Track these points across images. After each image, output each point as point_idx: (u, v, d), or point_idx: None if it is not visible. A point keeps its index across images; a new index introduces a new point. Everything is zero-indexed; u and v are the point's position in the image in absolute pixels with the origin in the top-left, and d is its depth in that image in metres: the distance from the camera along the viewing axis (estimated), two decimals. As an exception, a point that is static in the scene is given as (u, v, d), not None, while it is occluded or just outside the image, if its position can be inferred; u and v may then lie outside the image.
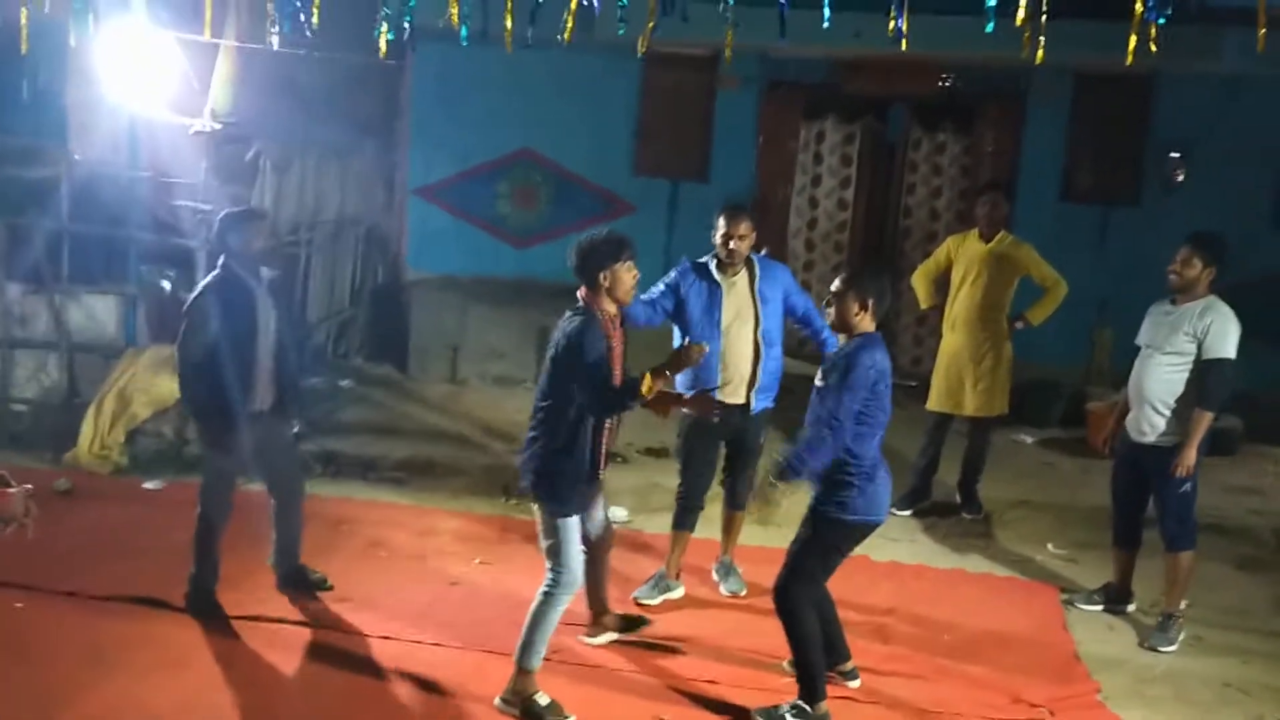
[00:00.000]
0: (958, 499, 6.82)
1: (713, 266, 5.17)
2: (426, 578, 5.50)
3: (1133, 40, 4.50)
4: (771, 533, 5.44)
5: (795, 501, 4.38)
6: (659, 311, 5.19)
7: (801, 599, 4.28)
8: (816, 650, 4.29)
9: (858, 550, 5.97)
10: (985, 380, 6.57)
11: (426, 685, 4.44)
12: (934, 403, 6.75)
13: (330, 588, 5.17)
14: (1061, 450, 8.11)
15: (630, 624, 4.90)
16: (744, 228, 5.07)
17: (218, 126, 7.03)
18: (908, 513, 6.72)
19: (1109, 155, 9.30)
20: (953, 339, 6.67)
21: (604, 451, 4.40)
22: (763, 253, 5.39)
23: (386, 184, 10.06)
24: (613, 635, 4.84)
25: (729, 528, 5.54)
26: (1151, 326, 5.26)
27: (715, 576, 5.57)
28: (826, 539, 4.30)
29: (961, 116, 9.73)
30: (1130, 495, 5.43)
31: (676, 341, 5.12)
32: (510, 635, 4.82)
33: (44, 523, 5.79)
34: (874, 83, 9.30)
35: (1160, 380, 5.12)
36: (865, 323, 4.20)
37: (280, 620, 4.89)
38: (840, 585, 5.52)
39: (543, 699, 4.20)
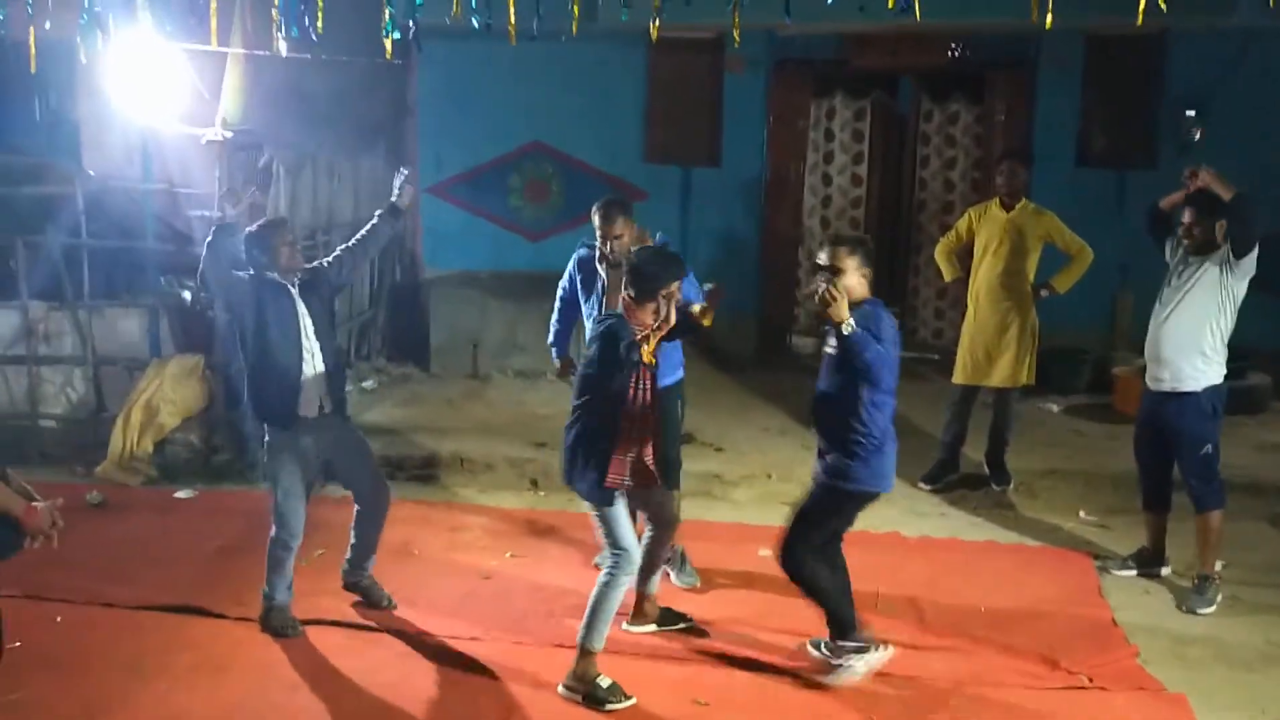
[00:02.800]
0: (986, 471, 6.79)
1: (596, 259, 5.18)
2: (459, 573, 5.52)
3: (1143, -1, 4.45)
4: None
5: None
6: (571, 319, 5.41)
7: (805, 558, 4.37)
8: (843, 596, 4.39)
9: (887, 526, 6.08)
10: (1010, 350, 6.53)
11: (468, 679, 4.46)
12: (959, 375, 6.71)
13: (395, 607, 5.07)
14: (1089, 417, 8.06)
15: (672, 618, 4.89)
16: (619, 227, 5.02)
17: (229, 135, 7.05)
18: (935, 487, 6.70)
19: (1124, 117, 9.20)
20: (977, 310, 6.63)
21: (642, 443, 4.34)
22: (658, 238, 5.23)
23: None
24: (652, 626, 4.85)
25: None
26: (1174, 279, 5.23)
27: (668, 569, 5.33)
28: (828, 505, 4.38)
29: (972, 86, 9.66)
30: (1154, 455, 5.40)
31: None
32: (545, 627, 4.86)
33: (78, 536, 5.86)
34: (882, 56, 9.23)
35: (1178, 330, 5.11)
36: (862, 289, 4.27)
37: (317, 621, 4.91)
38: (872, 561, 5.55)
39: (604, 681, 4.26)
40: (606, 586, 4.31)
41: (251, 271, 4.73)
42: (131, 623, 4.91)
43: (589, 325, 5.11)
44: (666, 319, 4.23)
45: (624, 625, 4.79)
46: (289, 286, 4.75)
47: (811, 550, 4.40)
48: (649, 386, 4.31)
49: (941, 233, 7.61)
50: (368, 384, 8.75)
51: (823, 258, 4.29)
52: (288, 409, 4.69)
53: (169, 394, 7.00)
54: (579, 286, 5.32)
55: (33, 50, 6.70)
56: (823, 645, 4.51)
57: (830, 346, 4.31)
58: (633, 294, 4.24)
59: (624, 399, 4.22)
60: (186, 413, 7.04)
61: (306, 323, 4.75)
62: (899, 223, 10.23)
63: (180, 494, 6.67)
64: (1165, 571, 5.52)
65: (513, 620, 4.94)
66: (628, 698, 4.23)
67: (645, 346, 4.21)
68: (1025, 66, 9.27)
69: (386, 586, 5.17)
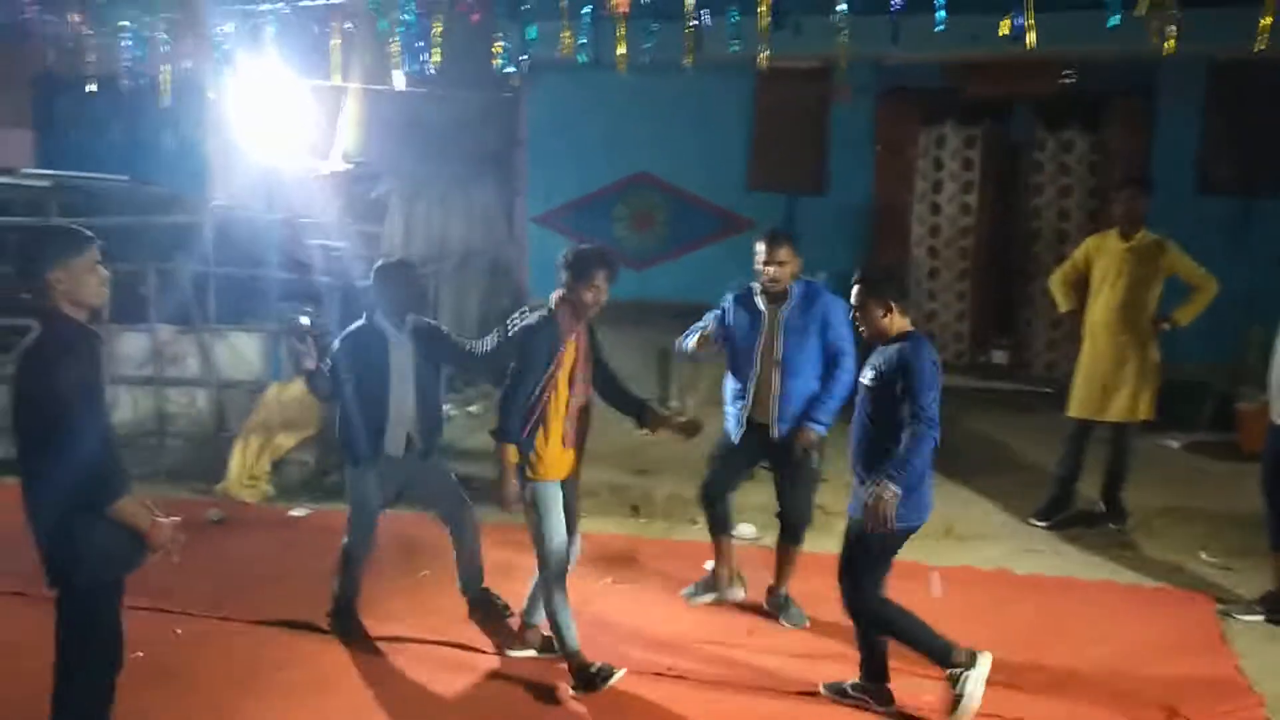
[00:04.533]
0: (1101, 508, 6.57)
1: (757, 294, 5.15)
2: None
3: (1267, 21, 4.31)
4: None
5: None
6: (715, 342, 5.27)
7: (874, 601, 4.30)
8: (921, 630, 4.28)
9: (997, 563, 5.92)
10: (1130, 384, 6.32)
11: (569, 703, 4.49)
12: (1075, 409, 6.52)
13: (511, 614, 5.16)
14: (1211, 454, 7.74)
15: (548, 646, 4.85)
16: (783, 254, 5.01)
17: (348, 167, 7.31)
18: (1048, 524, 6.51)
19: (1248, 145, 8.87)
20: (1094, 343, 6.44)
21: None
22: (820, 279, 5.24)
23: (507, 214, 10.28)
24: (532, 653, 4.88)
25: (781, 560, 5.35)
26: None
27: (771, 608, 5.36)
28: (872, 549, 4.26)
29: (1087, 113, 9.43)
30: None
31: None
32: (645, 655, 4.86)
33: (199, 551, 6.08)
34: (993, 85, 9.09)
35: None
36: (897, 323, 4.18)
37: (421, 640, 5.01)
38: (980, 600, 5.43)
39: (593, 666, 4.52)
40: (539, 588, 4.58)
41: (362, 318, 4.97)
42: (246, 637, 5.07)
43: (733, 378, 5.19)
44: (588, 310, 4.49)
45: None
46: (392, 331, 4.92)
47: (875, 592, 4.31)
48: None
49: (1057, 263, 7.42)
50: (474, 408, 8.91)
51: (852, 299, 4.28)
52: (371, 447, 4.91)
53: (287, 415, 7.24)
54: (733, 325, 5.19)
55: (165, 86, 7.07)
56: (849, 688, 4.45)
57: (868, 379, 4.24)
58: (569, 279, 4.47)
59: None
60: (302, 434, 7.27)
61: (406, 366, 4.91)
62: (1011, 252, 10.02)
63: (295, 512, 6.88)
64: (1295, 618, 5.25)
65: (610, 647, 4.94)
66: (615, 671, 4.53)
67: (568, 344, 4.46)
68: (1143, 93, 9.02)
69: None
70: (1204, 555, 6.11)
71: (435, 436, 5.10)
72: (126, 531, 3.43)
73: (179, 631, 5.11)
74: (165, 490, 7.02)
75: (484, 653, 4.92)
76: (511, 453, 4.43)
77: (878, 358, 4.22)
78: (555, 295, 4.54)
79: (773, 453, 5.19)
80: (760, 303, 5.12)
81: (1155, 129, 9.07)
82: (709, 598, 5.45)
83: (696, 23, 5.30)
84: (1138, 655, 4.92)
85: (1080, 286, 6.60)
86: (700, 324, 5.30)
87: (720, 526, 5.42)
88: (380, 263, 5.09)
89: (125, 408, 7.68)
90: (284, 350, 7.64)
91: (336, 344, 4.96)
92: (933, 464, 4.25)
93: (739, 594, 5.47)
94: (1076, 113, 9.49)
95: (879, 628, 4.35)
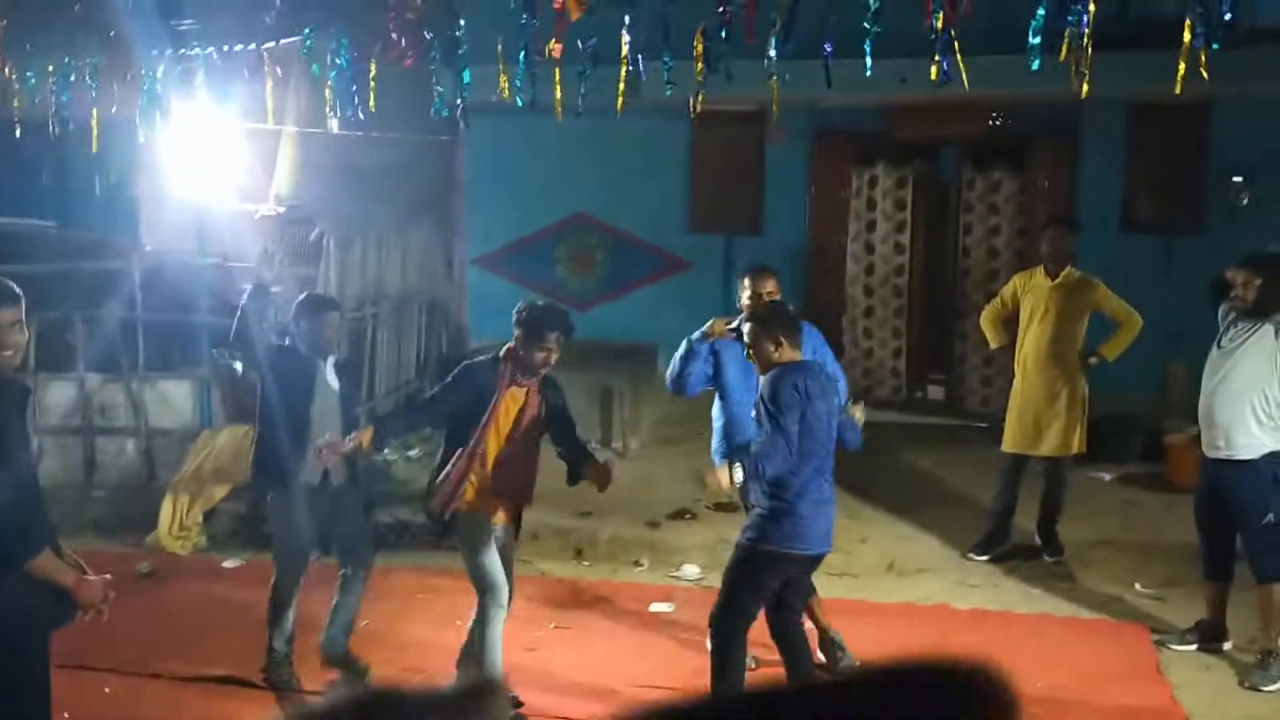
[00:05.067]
0: (1038, 541, 6.67)
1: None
2: (503, 645, 5.47)
3: (1182, 68, 4.46)
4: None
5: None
6: (701, 379, 5.22)
7: (733, 632, 4.38)
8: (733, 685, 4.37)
9: (937, 598, 5.97)
10: (1061, 419, 6.45)
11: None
12: (1009, 444, 6.62)
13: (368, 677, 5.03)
14: (1141, 486, 7.90)
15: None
16: (769, 286, 5.14)
17: (282, 210, 7.23)
18: (986, 558, 6.59)
19: (1169, 184, 9.15)
20: (1025, 378, 6.56)
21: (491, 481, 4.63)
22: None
23: (446, 256, 10.24)
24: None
25: None
26: (1224, 343, 5.15)
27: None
28: (750, 568, 4.39)
29: (1014, 154, 9.67)
30: (1215, 523, 5.28)
31: (715, 406, 5.22)
32: (588, 700, 4.81)
33: (128, 606, 5.90)
34: (924, 126, 9.29)
35: (1230, 395, 5.02)
36: (785, 354, 4.38)
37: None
38: (921, 635, 5.46)
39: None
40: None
41: (286, 340, 4.91)
42: (178, 694, 4.93)
43: (725, 401, 5.20)
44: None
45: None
46: (320, 360, 4.89)
47: (742, 621, 4.39)
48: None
49: (987, 300, 7.57)
50: (413, 453, 8.79)
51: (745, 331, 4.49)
52: (289, 473, 4.82)
53: (219, 464, 7.09)
54: (723, 363, 5.19)
55: (94, 130, 6.96)
56: None
57: (753, 410, 4.41)
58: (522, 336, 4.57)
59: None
60: (235, 482, 7.12)
61: (331, 397, 4.89)
62: (943, 290, 10.20)
63: (228, 563, 6.73)
64: (1227, 646, 5.36)
65: (554, 694, 4.89)
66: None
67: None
68: (1067, 134, 9.28)
69: (429, 656, 5.16)
70: (1138, 586, 6.22)
71: (354, 469, 5.04)
72: (49, 588, 3.32)
73: (107, 690, 4.95)
74: (94, 542, 6.82)
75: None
76: (366, 435, 4.63)
77: (761, 389, 4.41)
78: (506, 346, 4.61)
79: None
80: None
81: (1079, 169, 9.32)
82: None
83: (632, 67, 5.34)
84: (1077, 686, 4.98)
85: (1010, 323, 6.74)
86: (682, 351, 5.24)
87: None
88: (304, 296, 5.07)
89: (52, 458, 7.47)
90: (215, 397, 7.51)
91: (261, 354, 4.90)
92: (831, 498, 4.40)
93: None
94: (1004, 153, 9.73)
95: (717, 653, 4.42)
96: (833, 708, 0.85)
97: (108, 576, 3.47)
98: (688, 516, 7.06)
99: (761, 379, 4.43)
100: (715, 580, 6.24)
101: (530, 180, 9.95)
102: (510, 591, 4.72)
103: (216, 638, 5.52)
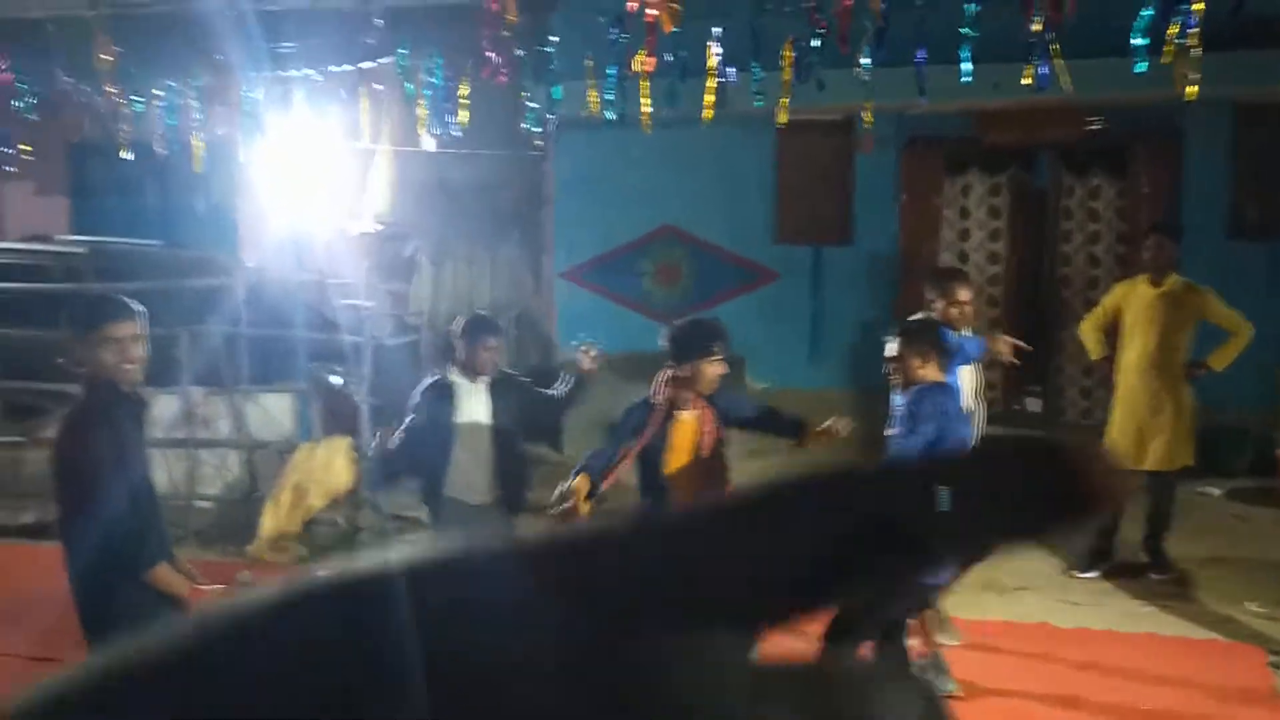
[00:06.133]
0: (1144, 558, 6.45)
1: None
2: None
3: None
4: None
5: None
6: None
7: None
8: None
9: (1038, 616, 5.81)
10: (1166, 431, 6.24)
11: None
12: (1110, 457, 6.42)
13: None
14: (1253, 501, 7.60)
15: None
16: (964, 294, 5.19)
17: (377, 227, 7.38)
18: (1092, 575, 6.39)
19: (1278, 187, 8.81)
20: (1128, 390, 6.36)
21: None
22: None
23: (534, 270, 10.34)
24: None
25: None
26: None
27: None
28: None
29: (1114, 159, 9.41)
30: None
31: None
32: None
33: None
34: (1017, 132, 9.10)
35: None
36: (930, 373, 4.32)
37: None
38: (1022, 654, 5.31)
39: None
40: None
41: (437, 373, 5.02)
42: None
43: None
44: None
45: None
46: (466, 382, 4.94)
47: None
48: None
49: (1086, 309, 7.37)
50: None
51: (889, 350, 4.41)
52: (440, 495, 4.89)
53: (318, 476, 7.24)
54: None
55: (199, 151, 7.19)
56: None
57: (888, 430, 4.37)
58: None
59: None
60: (333, 494, 7.26)
61: (481, 417, 4.93)
62: (1040, 300, 9.96)
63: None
64: (1349, 670, 5.11)
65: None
66: None
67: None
68: (1170, 137, 9.00)
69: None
70: (1250, 605, 5.97)
71: (517, 490, 5.04)
72: (165, 598, 3.42)
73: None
74: (196, 553, 7.01)
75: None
76: (581, 482, 4.36)
77: (900, 409, 4.34)
78: (665, 374, 4.43)
79: None
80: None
81: (1184, 173, 9.03)
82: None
83: (722, 79, 5.33)
84: (1188, 708, 4.79)
85: (1111, 333, 6.54)
86: None
87: None
88: (469, 317, 5.13)
89: (157, 469, 7.69)
90: (313, 410, 7.68)
91: (416, 398, 4.98)
92: None
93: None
94: (1103, 158, 9.47)
95: None
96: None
97: (220, 587, 3.55)
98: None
99: (901, 396, 4.37)
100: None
101: (617, 193, 10.00)
102: None
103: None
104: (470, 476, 4.94)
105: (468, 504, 4.93)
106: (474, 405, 4.95)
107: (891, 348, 4.42)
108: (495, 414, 4.97)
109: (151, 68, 7.15)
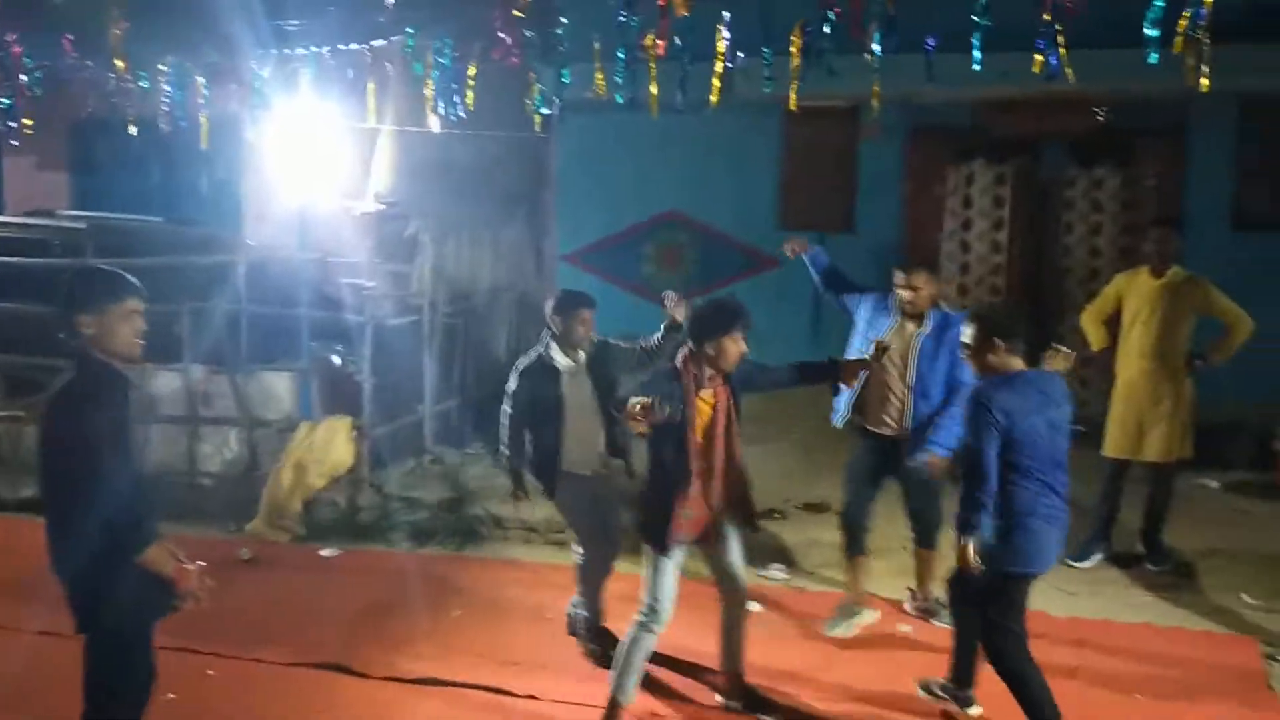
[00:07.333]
0: (1140, 549, 6.47)
1: (892, 303, 5.47)
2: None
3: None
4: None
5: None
6: (838, 296, 5.75)
7: (1016, 657, 4.24)
8: (1047, 708, 4.20)
9: (1033, 605, 5.79)
10: (1165, 423, 6.25)
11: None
12: (1110, 448, 6.44)
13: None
14: (1251, 494, 7.62)
15: (752, 701, 4.71)
16: (918, 280, 5.35)
17: (380, 207, 7.37)
18: (1088, 564, 6.42)
19: (1283, 180, 8.81)
20: (1128, 381, 6.37)
21: (703, 492, 4.39)
22: (951, 310, 5.51)
23: (536, 252, 10.34)
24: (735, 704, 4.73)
25: (918, 563, 5.64)
26: None
27: (922, 615, 5.63)
28: (998, 593, 4.26)
29: (1119, 150, 9.39)
30: None
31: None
32: (673, 702, 4.80)
33: (230, 591, 6.07)
34: (1022, 122, 9.08)
35: None
36: (1004, 361, 4.17)
37: (454, 683, 4.97)
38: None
39: None
40: (633, 639, 4.39)
41: (535, 353, 5.12)
42: (279, 679, 5.05)
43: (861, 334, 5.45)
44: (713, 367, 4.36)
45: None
46: (564, 360, 5.05)
47: (1016, 642, 4.29)
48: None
49: (1088, 300, 7.37)
50: (470, 449, 8.89)
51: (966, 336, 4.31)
52: (554, 468, 5.05)
53: (318, 455, 7.25)
54: (863, 307, 5.58)
55: (204, 129, 7.17)
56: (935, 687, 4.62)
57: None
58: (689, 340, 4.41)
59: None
60: (334, 473, 7.28)
61: (581, 393, 5.04)
62: (1042, 290, 9.95)
63: (325, 552, 6.87)
64: (1342, 663, 5.14)
65: (642, 688, 4.88)
66: None
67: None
68: (1175, 129, 8.98)
69: (522, 652, 5.23)
70: (1246, 598, 5.99)
71: (621, 454, 5.20)
72: (155, 577, 3.42)
73: (211, 673, 5.10)
74: (197, 529, 7.04)
75: (516, 696, 4.88)
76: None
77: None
78: (681, 354, 4.42)
79: (894, 461, 5.39)
80: (893, 311, 5.43)
81: (1189, 165, 9.02)
82: (856, 625, 5.53)
83: (731, 64, 5.32)
84: (1182, 700, 4.83)
85: (1112, 324, 6.55)
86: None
87: (859, 546, 5.57)
88: (561, 292, 5.25)
89: (158, 447, 7.72)
90: (314, 389, 7.68)
91: (514, 382, 5.09)
92: (1056, 515, 4.24)
93: (872, 615, 5.58)
94: (1108, 150, 9.45)
95: (1012, 684, 4.26)
96: None
97: (202, 564, 3.55)
98: (776, 516, 7.01)
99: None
100: (802, 581, 6.21)
101: (621, 177, 9.99)
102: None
103: (316, 626, 5.65)
104: (584, 450, 5.06)
105: (583, 476, 5.06)
106: (578, 379, 5.06)
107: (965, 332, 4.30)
108: (597, 384, 5.08)
109: (158, 44, 7.12)
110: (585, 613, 5.29)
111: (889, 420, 5.38)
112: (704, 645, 4.86)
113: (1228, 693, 4.91)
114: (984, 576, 4.18)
